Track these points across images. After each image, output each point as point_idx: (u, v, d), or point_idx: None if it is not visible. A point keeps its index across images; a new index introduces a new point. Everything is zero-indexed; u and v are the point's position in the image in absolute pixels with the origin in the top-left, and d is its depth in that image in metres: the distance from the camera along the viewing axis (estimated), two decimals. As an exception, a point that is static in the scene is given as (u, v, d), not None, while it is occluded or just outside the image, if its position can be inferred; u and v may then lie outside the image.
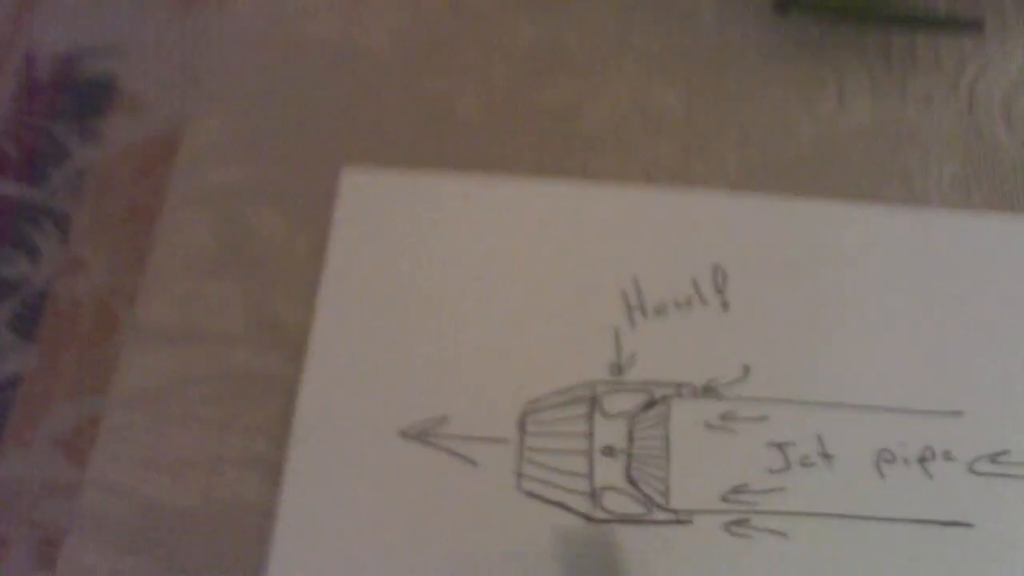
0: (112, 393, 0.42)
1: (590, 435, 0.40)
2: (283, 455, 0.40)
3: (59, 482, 0.40)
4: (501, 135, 0.47)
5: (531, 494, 0.39)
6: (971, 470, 0.40)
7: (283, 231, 0.45)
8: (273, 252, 0.44)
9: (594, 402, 0.41)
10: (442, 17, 0.50)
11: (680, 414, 0.41)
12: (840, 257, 0.44)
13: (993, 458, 0.41)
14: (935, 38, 0.49)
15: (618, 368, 0.41)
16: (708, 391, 0.41)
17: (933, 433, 0.41)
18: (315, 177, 0.45)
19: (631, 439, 0.40)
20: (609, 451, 0.40)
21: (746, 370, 0.41)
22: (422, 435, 0.40)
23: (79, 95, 0.48)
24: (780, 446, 0.40)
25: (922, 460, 0.41)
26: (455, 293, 0.43)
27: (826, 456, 0.40)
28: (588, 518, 0.39)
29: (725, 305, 0.43)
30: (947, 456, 0.41)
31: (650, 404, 0.41)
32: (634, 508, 0.39)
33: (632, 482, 0.40)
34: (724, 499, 0.40)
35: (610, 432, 0.40)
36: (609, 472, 0.40)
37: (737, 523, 0.39)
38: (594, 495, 0.40)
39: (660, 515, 0.39)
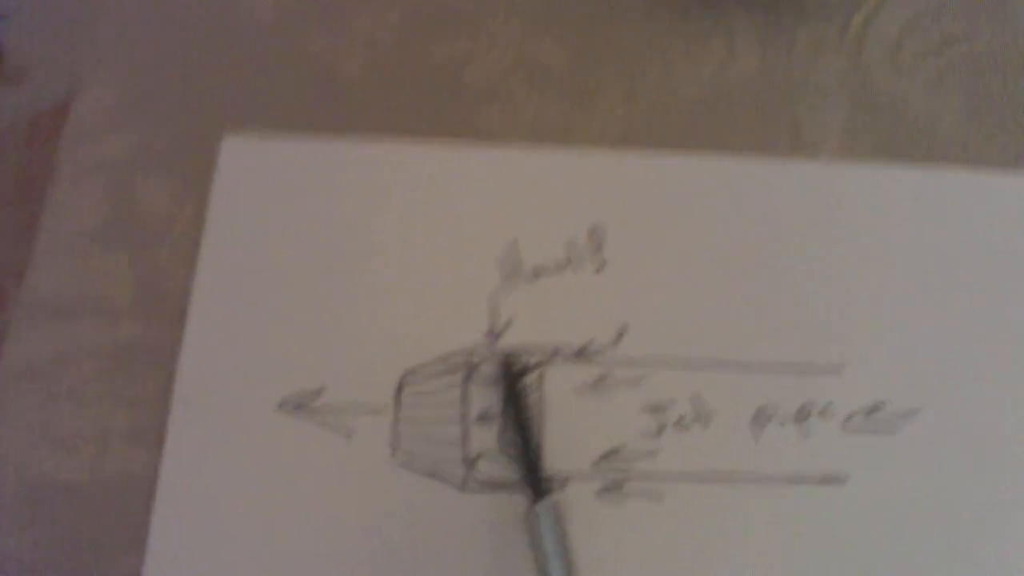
0: (1, 368, 0.42)
1: (465, 402, 0.40)
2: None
3: (-54, 459, 0.41)
4: (386, 96, 0.46)
5: (406, 464, 0.40)
6: (846, 425, 0.40)
7: (170, 200, 0.44)
8: (160, 222, 0.44)
9: (470, 369, 0.41)
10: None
11: (555, 379, 0.41)
12: (720, 213, 0.43)
13: (869, 412, 0.41)
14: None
15: (494, 334, 0.41)
16: (583, 354, 0.41)
17: (812, 389, 0.41)
18: (202, 145, 0.45)
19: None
20: (484, 418, 0.40)
21: (622, 330, 0.41)
22: (299, 406, 0.40)
23: (-36, 65, 0.48)
24: (655, 408, 0.40)
25: (799, 417, 0.40)
26: (334, 261, 0.43)
27: (703, 416, 0.40)
28: (461, 486, 0.39)
29: (603, 265, 0.42)
30: (824, 412, 0.41)
31: (525, 368, 0.41)
32: (507, 475, 0.39)
33: (505, 448, 0.40)
34: (598, 464, 0.40)
35: (485, 399, 0.40)
36: (483, 439, 0.40)
37: (611, 487, 0.39)
38: (468, 463, 0.40)
39: (534, 481, 0.39)
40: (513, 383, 0.40)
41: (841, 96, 0.46)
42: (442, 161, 0.44)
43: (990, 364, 0.42)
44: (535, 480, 0.38)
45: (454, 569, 0.38)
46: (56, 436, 0.41)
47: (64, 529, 0.40)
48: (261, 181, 0.44)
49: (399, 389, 0.40)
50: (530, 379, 0.41)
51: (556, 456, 0.40)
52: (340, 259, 0.43)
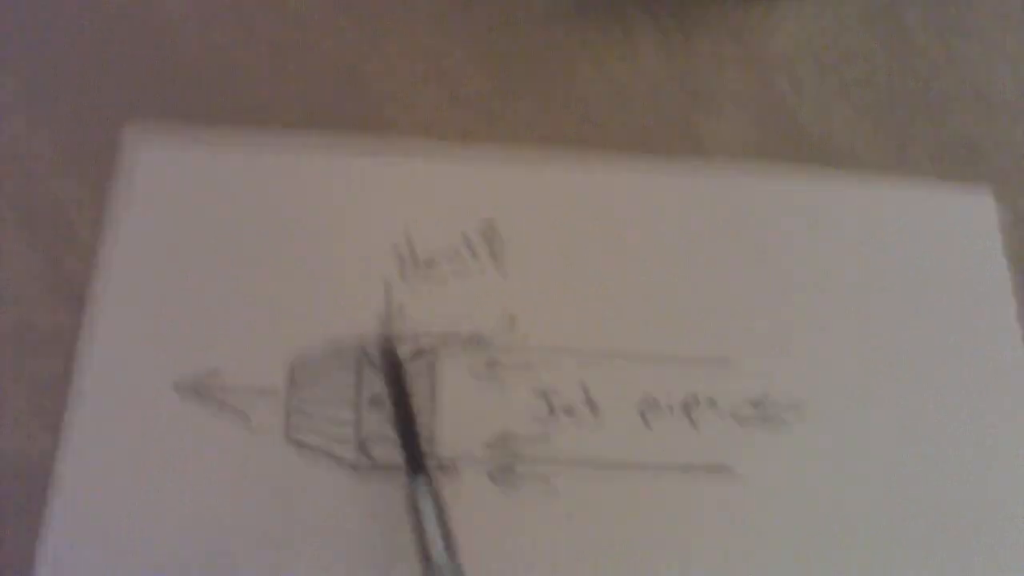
0: None
1: (358, 385, 0.41)
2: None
3: None
4: (289, 90, 0.47)
5: (299, 443, 0.40)
6: (733, 416, 0.41)
7: (74, 188, 0.45)
8: (64, 209, 0.45)
9: (363, 353, 0.41)
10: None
11: (447, 364, 0.42)
12: (612, 211, 0.45)
13: (755, 403, 0.42)
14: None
15: (387, 320, 0.42)
16: (474, 340, 0.42)
17: (698, 381, 0.42)
18: (105, 135, 0.46)
19: (398, 389, 0.41)
20: (377, 401, 0.41)
21: (512, 320, 0.42)
22: (195, 387, 0.41)
23: None
24: (545, 394, 0.41)
25: (686, 408, 0.41)
26: (231, 247, 0.43)
27: (591, 404, 0.41)
28: (355, 467, 0.40)
29: (495, 257, 0.43)
30: (711, 403, 0.42)
31: (417, 354, 0.41)
32: (400, 457, 0.40)
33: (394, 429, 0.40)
34: (489, 447, 0.40)
35: (378, 382, 0.41)
36: (376, 422, 0.41)
37: (501, 470, 0.40)
38: (361, 444, 0.40)
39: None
40: (391, 360, 0.40)
41: (741, 105, 0.48)
42: (340, 154, 0.45)
43: (873, 359, 0.43)
44: (412, 455, 0.38)
45: (348, 550, 0.38)
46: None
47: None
48: (162, 171, 0.45)
49: (291, 369, 0.41)
50: (421, 362, 0.41)
51: (448, 439, 0.40)
52: (235, 245, 0.43)
